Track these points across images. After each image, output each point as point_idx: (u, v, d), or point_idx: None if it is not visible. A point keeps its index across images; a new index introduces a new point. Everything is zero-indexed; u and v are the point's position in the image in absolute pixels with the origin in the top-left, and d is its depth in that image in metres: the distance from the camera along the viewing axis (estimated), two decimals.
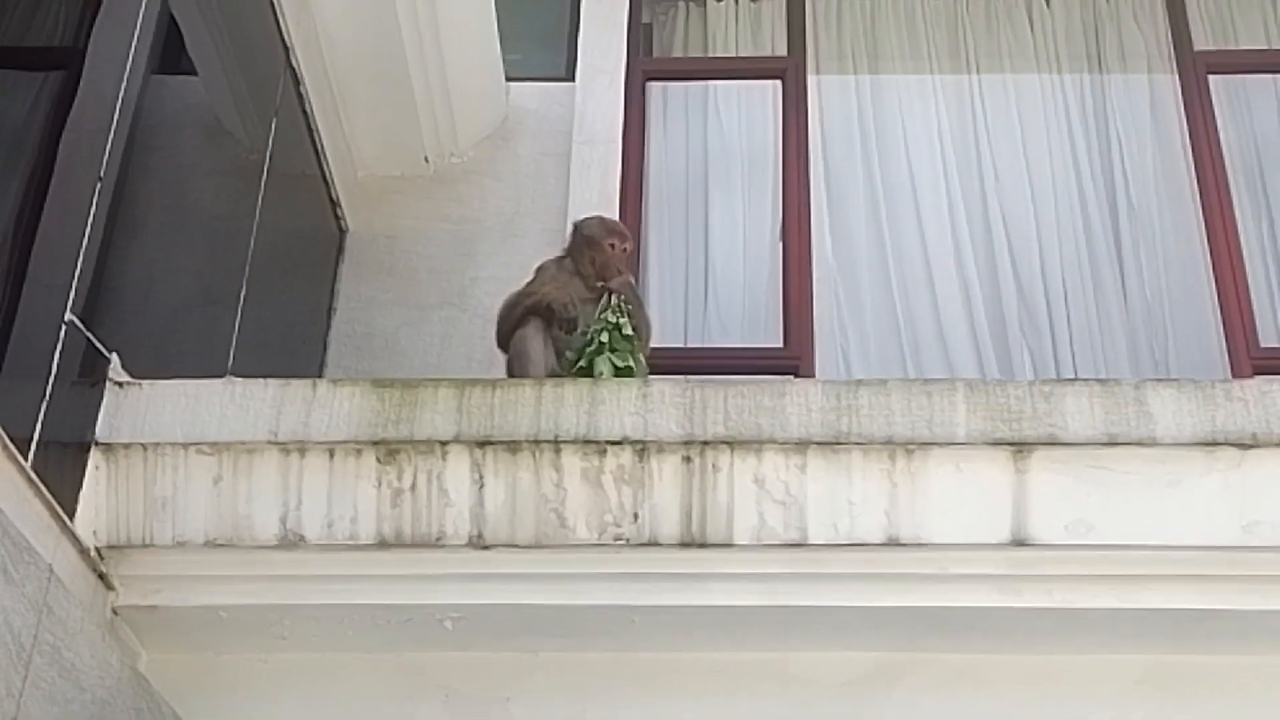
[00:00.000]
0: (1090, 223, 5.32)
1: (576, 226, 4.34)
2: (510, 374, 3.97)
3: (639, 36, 5.69)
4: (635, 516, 3.29)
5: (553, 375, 3.88)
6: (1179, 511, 3.27)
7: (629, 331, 3.90)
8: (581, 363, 3.84)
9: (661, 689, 3.44)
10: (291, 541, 3.29)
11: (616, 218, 4.90)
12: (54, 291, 3.15)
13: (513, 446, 3.31)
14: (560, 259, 4.29)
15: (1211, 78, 5.47)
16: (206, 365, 3.93)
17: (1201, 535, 3.26)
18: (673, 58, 5.83)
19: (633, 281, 4.32)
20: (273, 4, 4.49)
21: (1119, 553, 3.27)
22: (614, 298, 4.00)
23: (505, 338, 4.08)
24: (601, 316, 3.94)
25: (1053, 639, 3.39)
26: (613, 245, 4.21)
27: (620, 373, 3.79)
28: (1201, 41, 5.62)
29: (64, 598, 2.81)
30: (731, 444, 3.31)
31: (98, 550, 3.24)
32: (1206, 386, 3.35)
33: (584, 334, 3.92)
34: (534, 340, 3.97)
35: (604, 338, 3.87)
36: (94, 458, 3.27)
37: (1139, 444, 3.28)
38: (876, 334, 5.17)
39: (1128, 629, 3.36)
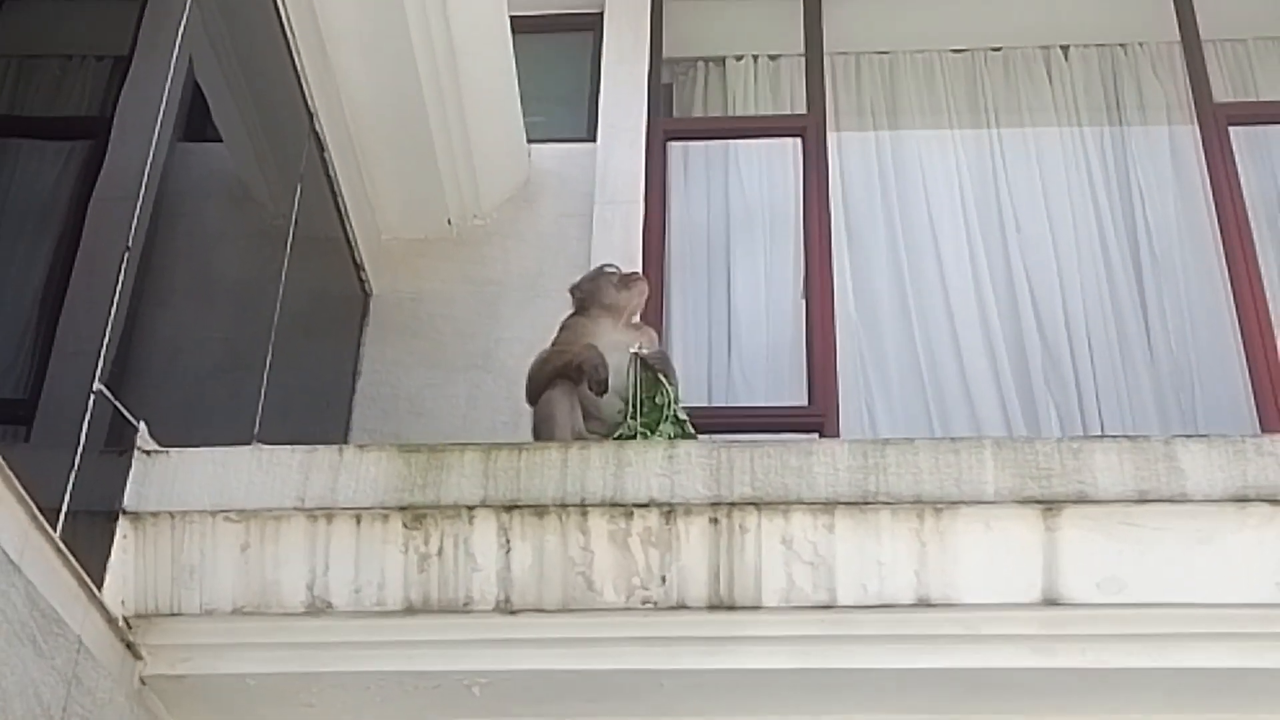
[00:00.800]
0: (1114, 275, 5.32)
1: (573, 290, 4.36)
2: (537, 436, 3.97)
3: (659, 97, 5.73)
4: (663, 579, 3.28)
5: (578, 437, 3.87)
6: (1212, 568, 3.23)
7: (687, 425, 3.91)
8: None
9: None
10: (319, 608, 3.28)
11: None
12: (82, 360, 3.17)
13: (539, 510, 3.30)
14: (577, 314, 4.30)
15: (1232, 129, 5.47)
16: (233, 430, 3.94)
17: (1235, 592, 3.22)
18: (693, 117, 5.87)
19: (661, 348, 4.33)
20: (296, 71, 4.54)
21: (1152, 611, 3.24)
22: (639, 362, 4.01)
23: (536, 396, 4.08)
24: (662, 408, 3.93)
25: (1086, 699, 3.36)
26: (612, 272, 4.29)
27: None
28: (1221, 93, 5.63)
29: (93, 668, 2.81)
30: (759, 505, 3.30)
31: (126, 619, 3.23)
32: (1237, 441, 3.32)
33: (630, 414, 3.92)
34: (560, 403, 3.97)
35: (671, 431, 3.87)
36: (122, 526, 3.27)
37: (1170, 500, 3.25)
38: (901, 390, 5.17)
39: (1162, 688, 3.32)
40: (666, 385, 3.98)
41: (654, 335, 4.37)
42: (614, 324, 4.21)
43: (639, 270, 4.39)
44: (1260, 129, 5.54)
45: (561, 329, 4.26)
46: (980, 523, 3.28)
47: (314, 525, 3.32)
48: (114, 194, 3.35)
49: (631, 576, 3.28)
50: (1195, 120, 5.55)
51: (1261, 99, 5.66)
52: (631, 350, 4.06)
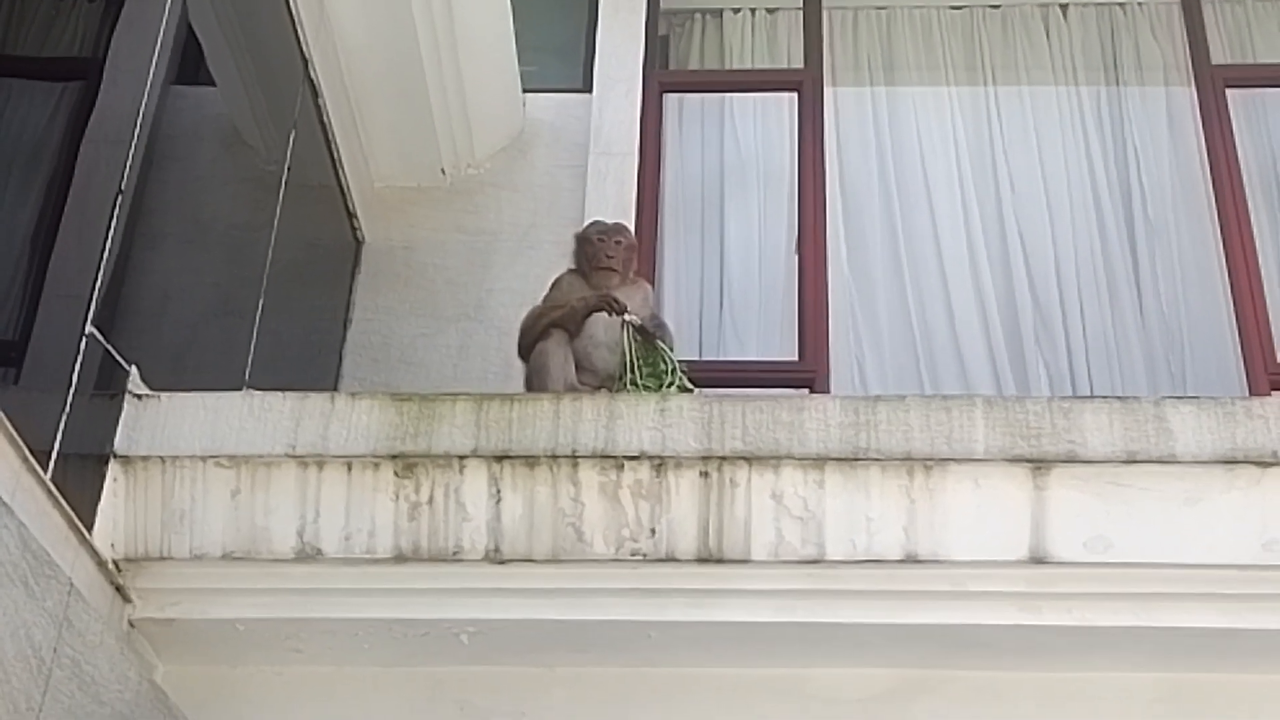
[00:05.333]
0: (1107, 236, 5.31)
1: (574, 238, 4.35)
2: (529, 388, 3.97)
3: (655, 48, 5.69)
4: (652, 532, 3.29)
5: (571, 389, 3.87)
6: (1199, 529, 3.26)
7: (688, 385, 3.91)
8: None
9: (678, 705, 3.43)
10: (309, 555, 3.29)
11: (632, 230, 4.89)
12: (74, 303, 3.15)
13: (530, 461, 3.31)
14: (574, 270, 4.29)
15: (1229, 91, 5.45)
16: (224, 376, 3.93)
17: (1221, 553, 3.25)
18: (689, 70, 5.84)
19: (656, 313, 4.31)
20: (291, 17, 4.50)
21: (1138, 570, 3.26)
22: (630, 329, 4.00)
23: (527, 350, 4.07)
24: (662, 376, 3.93)
25: (1071, 657, 3.38)
26: (601, 239, 4.22)
27: None
28: (1219, 55, 5.60)
29: (83, 611, 2.81)
30: (749, 459, 3.31)
31: (115, 563, 3.25)
32: (1227, 404, 3.34)
33: (629, 380, 3.92)
34: (554, 354, 3.96)
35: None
36: (113, 470, 3.27)
37: (1159, 461, 3.27)
38: (892, 347, 5.17)
39: (1147, 647, 3.35)
40: (668, 354, 3.97)
41: (648, 290, 4.36)
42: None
43: (621, 234, 4.30)
44: (1257, 92, 5.52)
45: (553, 286, 4.24)
46: (970, 480, 3.30)
47: (305, 472, 3.33)
48: (106, 136, 3.33)
49: (621, 528, 3.29)
50: (1192, 82, 5.53)
51: (1260, 61, 5.63)
52: (626, 318, 4.03)
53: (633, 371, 3.92)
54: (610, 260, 4.17)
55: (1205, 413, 3.31)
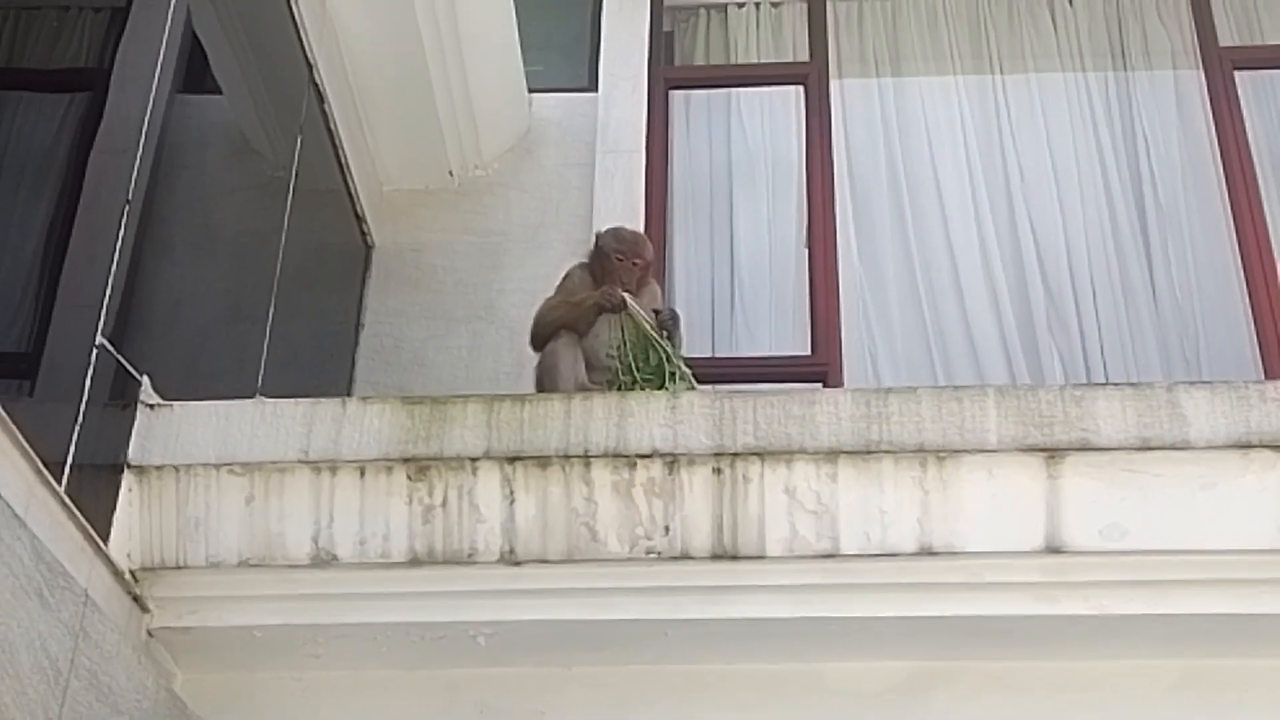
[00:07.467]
0: (1118, 222, 5.29)
1: (596, 237, 4.34)
2: (540, 388, 3.97)
3: (660, 45, 5.70)
4: (666, 529, 3.29)
5: (582, 388, 3.87)
6: (1214, 515, 3.24)
7: (692, 381, 3.90)
8: None
9: (695, 702, 3.43)
10: (324, 560, 3.30)
11: (640, 227, 4.90)
12: (84, 314, 3.17)
13: (543, 461, 3.31)
14: (585, 265, 4.29)
15: (1237, 73, 5.43)
16: (236, 383, 3.94)
17: (1237, 538, 3.24)
18: (695, 65, 5.84)
19: (658, 292, 4.30)
20: (295, 22, 4.50)
21: (1154, 557, 3.25)
22: (630, 322, 3.99)
23: (541, 342, 4.07)
24: (662, 372, 3.92)
25: (1088, 645, 3.37)
26: (620, 258, 4.17)
27: None
28: (1227, 37, 5.58)
29: (99, 621, 2.82)
30: (762, 454, 3.30)
31: (132, 572, 3.26)
32: (1240, 388, 3.32)
33: (624, 371, 3.91)
34: (564, 355, 3.96)
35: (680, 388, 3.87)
36: (127, 480, 3.28)
37: (1173, 447, 3.25)
38: (904, 339, 5.16)
39: (1163, 634, 3.33)
40: (666, 346, 3.96)
41: (657, 291, 4.35)
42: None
43: (639, 254, 4.26)
44: (1266, 73, 5.50)
45: (564, 279, 4.24)
46: (983, 471, 3.29)
47: (318, 477, 3.34)
48: (114, 146, 3.34)
49: (635, 527, 3.29)
50: (1200, 65, 5.51)
51: (1267, 43, 5.60)
52: (629, 306, 4.01)
53: (633, 366, 3.91)
54: (625, 286, 4.12)
55: (1219, 397, 3.30)
